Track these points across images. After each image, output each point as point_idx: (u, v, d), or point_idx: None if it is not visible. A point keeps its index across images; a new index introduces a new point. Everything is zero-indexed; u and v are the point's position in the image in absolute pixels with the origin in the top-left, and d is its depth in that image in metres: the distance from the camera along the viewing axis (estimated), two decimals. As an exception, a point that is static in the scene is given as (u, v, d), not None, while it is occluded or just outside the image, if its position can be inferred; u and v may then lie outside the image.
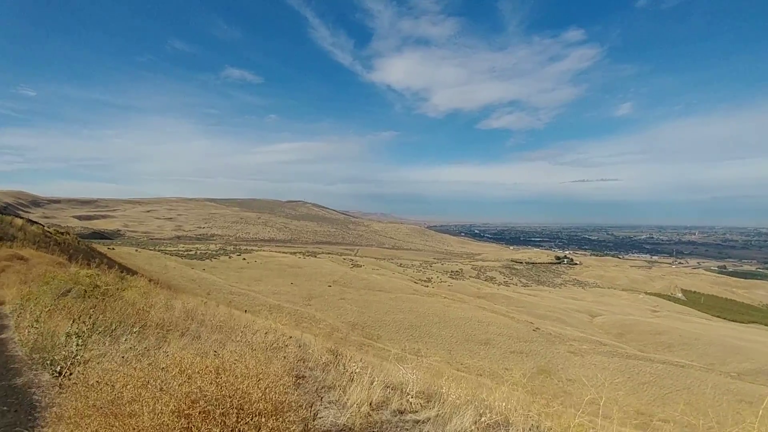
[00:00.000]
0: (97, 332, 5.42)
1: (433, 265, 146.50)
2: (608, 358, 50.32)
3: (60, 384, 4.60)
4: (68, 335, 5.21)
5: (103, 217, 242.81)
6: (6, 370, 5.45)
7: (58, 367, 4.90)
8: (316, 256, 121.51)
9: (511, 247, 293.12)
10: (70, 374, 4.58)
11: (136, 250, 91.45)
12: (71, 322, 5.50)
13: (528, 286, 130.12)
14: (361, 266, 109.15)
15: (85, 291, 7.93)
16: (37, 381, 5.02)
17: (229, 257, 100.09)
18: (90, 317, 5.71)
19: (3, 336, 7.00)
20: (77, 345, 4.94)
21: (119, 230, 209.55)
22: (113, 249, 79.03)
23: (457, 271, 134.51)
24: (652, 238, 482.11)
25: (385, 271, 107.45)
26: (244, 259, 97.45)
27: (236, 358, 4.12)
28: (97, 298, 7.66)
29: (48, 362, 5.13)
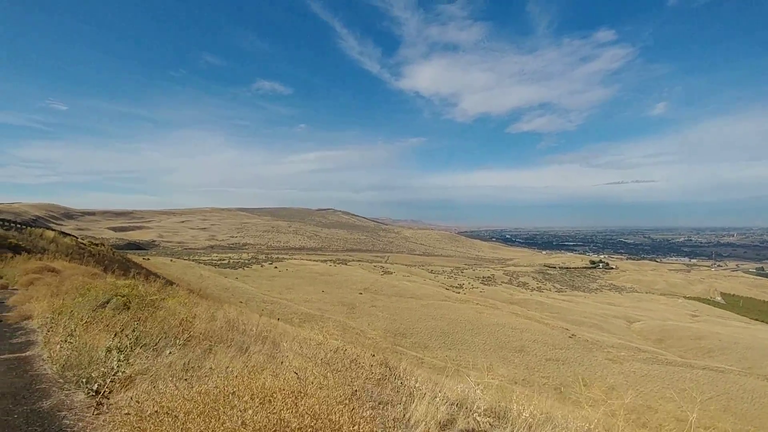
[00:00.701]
0: (141, 345, 4.95)
1: (465, 271, 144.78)
2: (648, 365, 48.52)
3: (98, 403, 4.05)
4: (109, 350, 4.64)
5: (138, 228, 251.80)
6: (30, 391, 4.63)
7: (95, 385, 4.30)
8: (346, 264, 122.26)
9: (544, 252, 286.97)
10: (110, 392, 4.17)
11: (171, 260, 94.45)
12: (113, 335, 4.94)
13: (562, 292, 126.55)
14: (391, 273, 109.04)
15: (125, 302, 7.52)
16: (68, 402, 4.27)
17: (261, 266, 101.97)
18: (133, 330, 5.12)
19: (29, 353, 6.23)
20: (118, 360, 4.39)
21: (154, 241, 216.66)
22: (148, 259, 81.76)
23: (488, 277, 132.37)
24: (691, 240, 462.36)
25: (416, 277, 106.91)
26: (276, 267, 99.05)
27: (312, 377, 3.73)
28: (139, 309, 7.21)
29: (83, 380, 4.50)
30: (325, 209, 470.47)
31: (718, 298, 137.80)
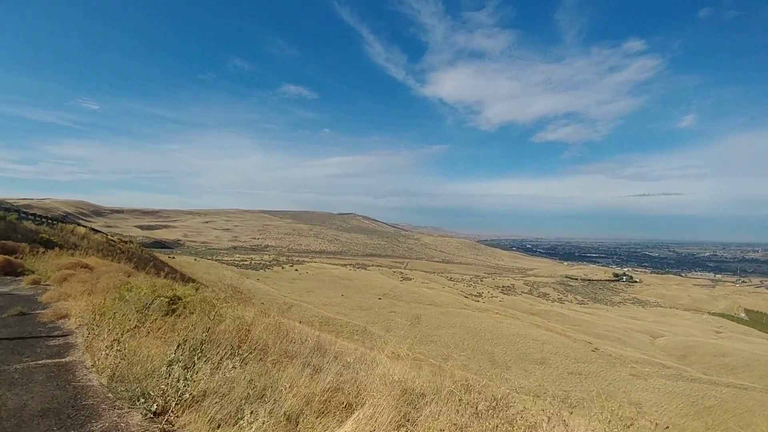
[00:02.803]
0: (203, 359, 4.23)
1: (484, 279, 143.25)
2: (672, 382, 47.21)
3: (161, 431, 3.41)
4: (170, 363, 3.99)
5: (164, 227, 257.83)
6: (76, 408, 3.80)
7: (154, 405, 3.67)
8: (366, 269, 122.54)
9: (566, 263, 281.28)
10: (177, 417, 3.57)
11: (195, 260, 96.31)
12: (175, 346, 4.25)
13: (584, 304, 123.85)
14: (410, 279, 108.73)
15: (169, 304, 6.85)
16: (124, 426, 3.51)
17: (282, 268, 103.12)
18: (202, 343, 4.45)
19: (69, 358, 5.28)
20: (185, 378, 3.74)
21: (179, 240, 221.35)
22: (173, 258, 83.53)
23: (508, 287, 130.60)
24: (716, 255, 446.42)
25: (434, 284, 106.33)
26: (297, 270, 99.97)
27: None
28: (191, 313, 6.49)
29: (138, 397, 3.81)
30: (346, 214, 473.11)
31: (742, 315, 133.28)
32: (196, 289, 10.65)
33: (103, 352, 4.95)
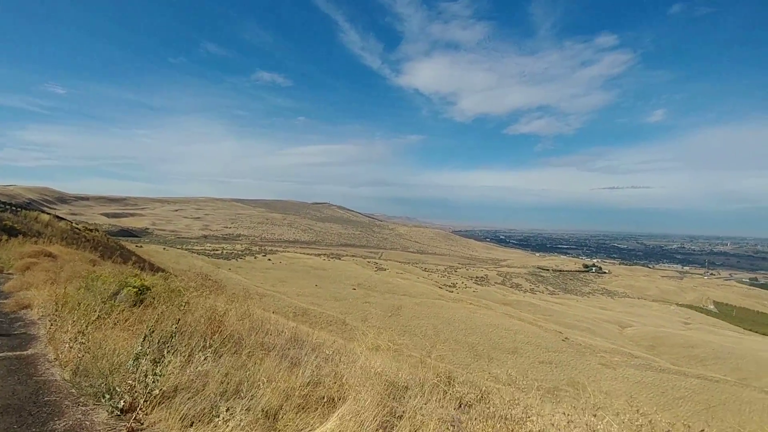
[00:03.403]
0: (171, 351, 3.88)
1: (458, 270, 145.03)
2: (641, 372, 48.73)
3: (130, 430, 3.16)
4: (137, 357, 3.69)
5: (131, 215, 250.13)
6: (37, 405, 3.55)
7: (121, 402, 3.41)
8: (340, 259, 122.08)
9: (537, 254, 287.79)
10: (146, 414, 3.31)
11: (164, 249, 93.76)
12: (141, 338, 3.90)
13: (555, 294, 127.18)
14: (385, 270, 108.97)
15: (137, 294, 6.47)
16: (89, 424, 3.25)
17: (255, 257, 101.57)
18: (153, 331, 4.05)
19: (31, 351, 5.06)
20: (154, 373, 3.44)
21: (147, 228, 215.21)
22: (141, 247, 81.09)
23: (482, 277, 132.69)
24: (684, 248, 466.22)
25: (409, 275, 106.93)
26: (270, 259, 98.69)
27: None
28: (159, 303, 6.05)
29: (103, 393, 3.55)
30: (320, 203, 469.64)
31: (711, 307, 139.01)
32: (165, 279, 10.24)
33: (67, 345, 4.68)
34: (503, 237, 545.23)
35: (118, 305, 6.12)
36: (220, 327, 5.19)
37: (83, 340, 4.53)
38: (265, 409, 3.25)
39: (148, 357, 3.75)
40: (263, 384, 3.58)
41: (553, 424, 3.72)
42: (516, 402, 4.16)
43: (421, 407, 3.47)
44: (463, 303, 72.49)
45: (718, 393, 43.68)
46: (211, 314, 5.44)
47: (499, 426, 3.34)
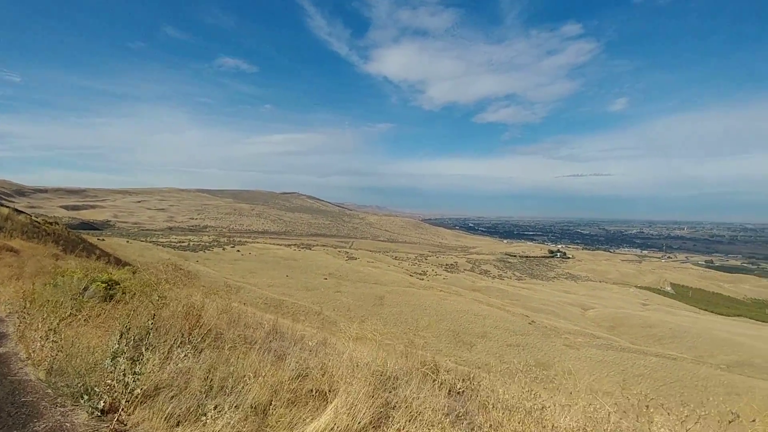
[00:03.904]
0: (149, 348, 3.70)
1: (428, 258, 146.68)
2: (603, 351, 50.82)
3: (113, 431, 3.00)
4: (115, 355, 3.49)
5: (92, 207, 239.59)
6: (15, 405, 3.38)
7: (101, 403, 3.24)
8: (311, 249, 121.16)
9: (505, 241, 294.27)
10: (129, 415, 3.17)
11: (127, 242, 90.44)
12: (119, 336, 3.68)
13: (522, 280, 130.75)
14: (356, 259, 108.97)
15: (106, 289, 6.22)
16: (69, 426, 3.11)
17: (223, 249, 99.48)
18: (130, 328, 3.83)
19: (2, 350, 4.91)
20: (133, 372, 3.28)
21: (108, 221, 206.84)
22: (103, 240, 77.97)
23: (451, 265, 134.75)
24: (643, 232, 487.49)
25: (380, 264, 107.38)
26: (239, 251, 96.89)
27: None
28: (131, 298, 5.82)
29: (81, 393, 3.37)
30: (289, 193, 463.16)
31: (668, 289, 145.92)
32: (133, 273, 9.90)
33: (38, 343, 4.45)
34: (472, 225, 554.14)
35: (88, 301, 5.89)
36: (198, 321, 4.98)
37: (55, 338, 4.31)
38: (254, 405, 3.17)
39: (126, 355, 3.57)
40: (250, 379, 3.48)
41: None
42: (509, 389, 4.28)
43: (414, 397, 3.48)
44: (433, 290, 73.51)
45: (675, 370, 45.83)
46: (188, 309, 5.23)
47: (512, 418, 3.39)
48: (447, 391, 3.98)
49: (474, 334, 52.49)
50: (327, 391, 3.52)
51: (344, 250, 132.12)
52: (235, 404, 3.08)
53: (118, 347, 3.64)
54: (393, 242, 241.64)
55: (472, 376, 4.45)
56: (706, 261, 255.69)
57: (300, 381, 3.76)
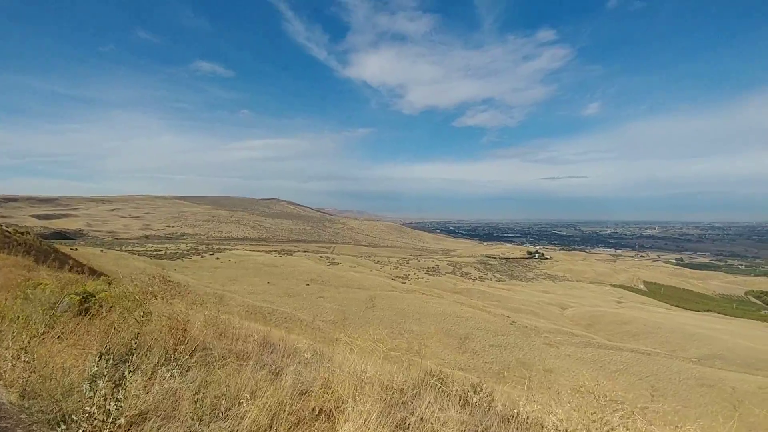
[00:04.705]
0: (132, 369, 3.27)
1: (410, 261, 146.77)
2: (581, 349, 51.67)
3: None
4: (94, 378, 3.06)
5: (64, 216, 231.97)
6: None
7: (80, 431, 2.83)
8: (292, 255, 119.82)
9: (485, 243, 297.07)
10: None
11: (102, 251, 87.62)
12: (98, 357, 3.22)
13: (502, 281, 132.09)
14: (338, 264, 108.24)
15: (81, 302, 5.73)
16: None
17: (202, 257, 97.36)
18: (110, 348, 3.30)
19: None
20: (117, 399, 2.89)
21: (82, 230, 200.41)
22: (76, 249, 75.24)
23: (433, 268, 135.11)
24: (616, 233, 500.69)
25: (362, 268, 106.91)
26: (218, 258, 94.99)
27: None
28: (112, 312, 5.35)
29: (58, 420, 2.99)
30: (269, 199, 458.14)
31: (641, 286, 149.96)
32: (109, 284, 9.43)
33: (9, 363, 3.93)
34: (453, 228, 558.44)
35: (61, 315, 5.36)
36: (184, 336, 4.55)
37: (27, 358, 3.85)
38: (254, 431, 2.86)
39: (106, 378, 3.14)
40: (246, 400, 3.15)
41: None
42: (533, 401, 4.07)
43: (431, 415, 3.22)
44: (415, 293, 73.53)
45: (650, 365, 46.96)
46: (172, 322, 4.75)
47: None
48: (459, 402, 3.77)
49: (457, 336, 52.61)
50: (333, 411, 3.24)
51: (326, 256, 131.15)
52: (231, 430, 2.77)
53: (98, 369, 3.20)
54: (375, 246, 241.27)
55: (482, 385, 4.24)
56: (676, 259, 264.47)
57: (302, 400, 3.46)
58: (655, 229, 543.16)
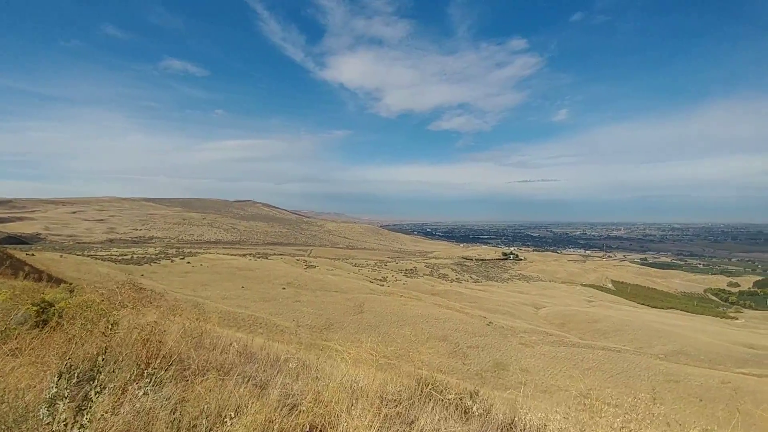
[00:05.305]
0: (97, 388, 2.76)
1: (388, 263, 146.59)
2: (555, 348, 52.54)
3: None
4: (53, 401, 2.65)
5: (19, 219, 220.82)
6: None
7: None
8: (267, 258, 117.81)
9: (462, 245, 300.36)
10: None
11: (61, 256, 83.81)
12: (58, 376, 2.79)
13: (478, 282, 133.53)
14: (315, 267, 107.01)
15: (39, 313, 5.07)
16: None
17: (172, 261, 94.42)
18: (71, 366, 2.84)
19: None
20: (80, 426, 2.48)
21: (39, 234, 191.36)
22: (33, 255, 71.71)
23: (411, 270, 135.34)
24: (585, 234, 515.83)
25: (340, 271, 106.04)
26: (189, 262, 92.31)
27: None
28: (74, 324, 4.57)
29: None
30: (244, 201, 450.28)
31: (609, 285, 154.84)
32: (70, 292, 8.77)
33: None
34: (430, 230, 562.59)
35: (16, 328, 4.74)
36: (159, 348, 4.02)
37: None
38: None
39: (68, 400, 2.70)
40: (230, 418, 2.73)
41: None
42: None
43: (433, 428, 2.95)
44: (394, 296, 73.35)
45: (620, 362, 48.23)
46: (145, 334, 4.19)
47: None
48: (457, 412, 3.52)
49: (435, 338, 52.67)
50: (326, 426, 2.90)
51: (303, 259, 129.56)
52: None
53: (57, 390, 2.75)
54: (352, 249, 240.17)
55: (479, 392, 4.01)
56: (641, 259, 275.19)
57: (291, 415, 3.05)
58: (621, 230, 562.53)
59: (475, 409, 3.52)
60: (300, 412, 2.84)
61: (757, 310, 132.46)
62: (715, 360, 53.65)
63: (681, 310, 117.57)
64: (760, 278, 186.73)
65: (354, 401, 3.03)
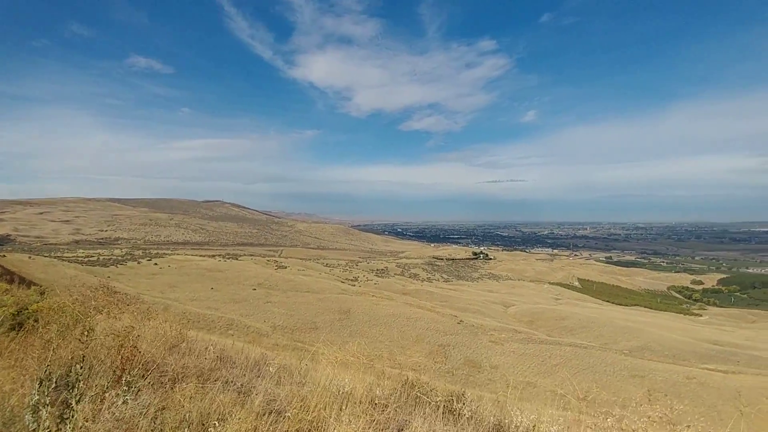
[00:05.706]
0: (76, 396, 2.76)
1: (359, 264, 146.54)
2: (524, 345, 53.77)
3: None
4: (36, 408, 2.63)
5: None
6: None
7: None
8: (237, 259, 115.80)
9: (432, 245, 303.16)
10: None
11: (30, 257, 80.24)
12: (38, 383, 2.76)
13: (449, 281, 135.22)
14: (286, 267, 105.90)
15: (14, 315, 5.06)
16: None
17: (138, 263, 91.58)
18: (51, 372, 2.81)
19: None
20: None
21: (9, 235, 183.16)
22: (4, 256, 68.60)
23: (382, 269, 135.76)
24: (553, 233, 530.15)
25: (311, 271, 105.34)
26: (156, 264, 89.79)
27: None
28: (50, 327, 4.46)
29: None
30: (212, 201, 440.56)
31: (576, 283, 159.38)
32: (41, 294, 8.54)
33: None
34: (401, 230, 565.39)
35: None
36: (134, 355, 3.89)
37: None
38: None
39: (49, 408, 2.76)
40: (214, 427, 2.74)
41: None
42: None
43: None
44: (365, 296, 73.45)
45: (586, 358, 49.76)
46: (120, 340, 4.11)
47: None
48: (445, 414, 3.64)
49: (408, 338, 53.09)
50: None
51: (273, 259, 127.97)
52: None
53: (39, 398, 2.78)
54: (323, 249, 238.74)
55: (466, 394, 4.15)
56: (606, 257, 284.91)
57: (277, 422, 3.01)
58: (587, 229, 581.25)
59: (465, 411, 3.64)
60: (286, 418, 2.87)
61: (721, 307, 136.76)
62: (680, 356, 55.88)
63: (645, 307, 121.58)
64: (724, 276, 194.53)
65: (342, 406, 3.07)
